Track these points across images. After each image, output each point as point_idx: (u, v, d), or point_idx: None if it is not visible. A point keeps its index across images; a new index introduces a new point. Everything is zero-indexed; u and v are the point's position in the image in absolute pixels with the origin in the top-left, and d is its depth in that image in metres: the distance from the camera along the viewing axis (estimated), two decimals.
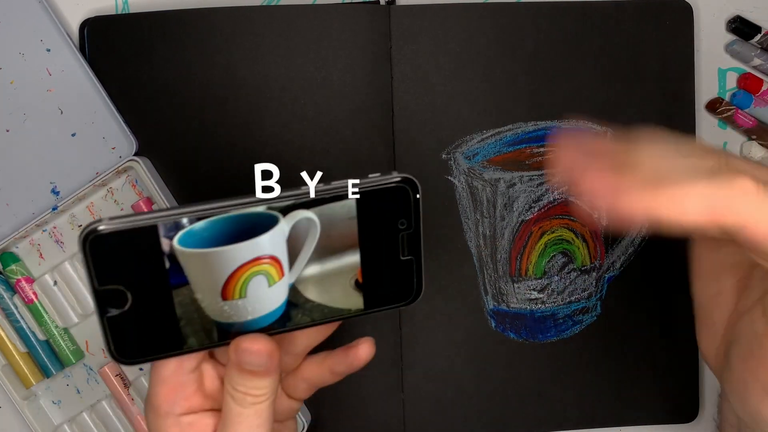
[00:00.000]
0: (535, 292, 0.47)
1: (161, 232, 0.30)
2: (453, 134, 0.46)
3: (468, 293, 0.46)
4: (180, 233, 0.30)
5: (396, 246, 0.33)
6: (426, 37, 0.45)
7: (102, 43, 0.45)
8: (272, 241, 0.31)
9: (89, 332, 0.46)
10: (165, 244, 0.30)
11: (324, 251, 0.32)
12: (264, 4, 0.47)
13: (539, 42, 0.46)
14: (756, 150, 0.48)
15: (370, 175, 0.32)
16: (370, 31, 0.45)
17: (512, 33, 0.46)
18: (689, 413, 0.48)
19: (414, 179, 0.32)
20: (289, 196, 0.31)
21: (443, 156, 0.46)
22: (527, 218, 0.46)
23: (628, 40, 0.46)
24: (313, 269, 0.32)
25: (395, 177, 0.32)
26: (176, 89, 0.45)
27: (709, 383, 0.49)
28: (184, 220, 0.30)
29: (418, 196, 0.33)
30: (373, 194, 0.32)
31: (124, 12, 0.46)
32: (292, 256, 0.32)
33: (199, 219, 0.30)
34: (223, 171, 0.45)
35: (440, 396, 0.46)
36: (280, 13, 0.45)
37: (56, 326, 0.45)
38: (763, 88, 0.48)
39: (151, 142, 0.45)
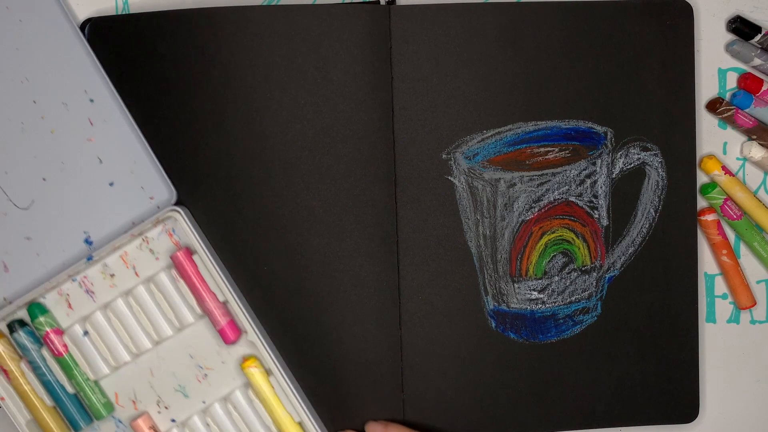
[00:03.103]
0: (536, 293, 0.47)
1: None
2: (453, 134, 0.46)
3: (468, 293, 0.46)
4: None
5: None
6: (426, 37, 0.45)
7: (102, 43, 0.45)
8: None
9: (119, 384, 0.44)
10: None
11: None
12: (264, 4, 0.47)
13: (539, 42, 0.46)
14: (756, 150, 0.48)
15: None
16: (370, 31, 0.45)
17: (512, 33, 0.46)
18: (689, 413, 0.48)
19: None
20: None
21: (443, 156, 0.46)
22: (527, 218, 0.46)
23: (628, 40, 0.46)
24: None
25: None
26: (176, 89, 0.45)
27: (710, 383, 0.49)
28: None
29: None
30: None
31: (124, 12, 0.47)
32: None
33: None
34: (221, 169, 0.45)
35: (440, 396, 0.46)
36: (280, 13, 0.45)
37: (86, 379, 0.44)
38: (763, 88, 0.48)
39: (152, 143, 0.45)
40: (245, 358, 0.44)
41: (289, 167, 0.45)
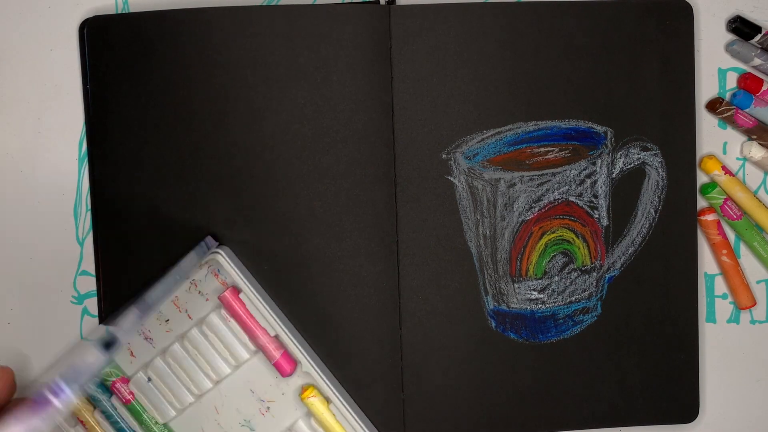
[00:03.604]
0: (536, 293, 0.47)
1: None
2: (453, 134, 0.46)
3: (468, 293, 0.46)
4: None
5: None
6: (426, 37, 0.45)
7: (102, 42, 0.45)
8: None
9: (187, 424, 0.45)
10: None
11: None
12: (264, 4, 0.47)
13: (539, 42, 0.46)
14: (756, 150, 0.48)
15: None
16: (370, 31, 0.45)
17: (512, 33, 0.46)
18: (689, 413, 0.48)
19: None
20: None
21: (443, 156, 0.46)
22: (527, 218, 0.46)
23: (628, 40, 0.46)
24: None
25: None
26: (176, 89, 0.45)
27: (710, 383, 0.49)
28: None
29: None
30: None
31: (124, 12, 0.46)
32: None
33: None
34: (221, 168, 0.45)
35: (440, 396, 0.46)
36: (280, 13, 0.45)
37: (156, 422, 0.45)
38: (763, 88, 0.48)
39: (151, 143, 0.45)
40: (304, 388, 0.45)
41: (289, 167, 0.45)
